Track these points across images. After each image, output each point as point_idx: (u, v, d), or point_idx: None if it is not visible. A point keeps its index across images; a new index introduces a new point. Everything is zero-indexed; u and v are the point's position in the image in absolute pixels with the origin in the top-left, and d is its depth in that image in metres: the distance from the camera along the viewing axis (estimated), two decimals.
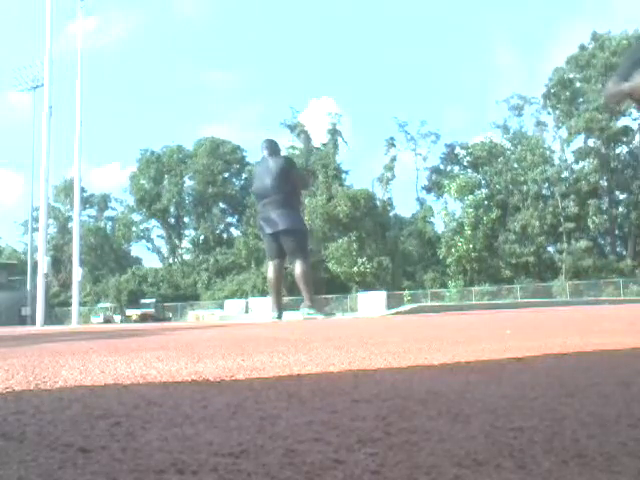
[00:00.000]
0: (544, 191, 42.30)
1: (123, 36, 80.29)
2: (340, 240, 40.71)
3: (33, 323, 21.26)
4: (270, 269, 7.52)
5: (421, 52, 79.64)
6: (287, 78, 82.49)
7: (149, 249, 56.18)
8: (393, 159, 47.43)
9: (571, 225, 39.98)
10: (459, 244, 39.42)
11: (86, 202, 51.56)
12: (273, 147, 7.70)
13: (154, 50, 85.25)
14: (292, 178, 7.28)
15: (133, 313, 37.51)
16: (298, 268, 7.25)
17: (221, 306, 36.95)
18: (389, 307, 22.09)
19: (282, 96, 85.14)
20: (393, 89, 78.57)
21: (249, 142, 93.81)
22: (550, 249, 42.53)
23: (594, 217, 39.78)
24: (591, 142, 41.80)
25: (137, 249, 66.18)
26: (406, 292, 36.57)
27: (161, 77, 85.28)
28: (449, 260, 40.25)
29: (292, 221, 7.25)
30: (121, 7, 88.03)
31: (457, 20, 76.91)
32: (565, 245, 40.01)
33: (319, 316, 7.29)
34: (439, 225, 45.05)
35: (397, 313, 10.81)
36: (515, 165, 43.16)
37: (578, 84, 42.52)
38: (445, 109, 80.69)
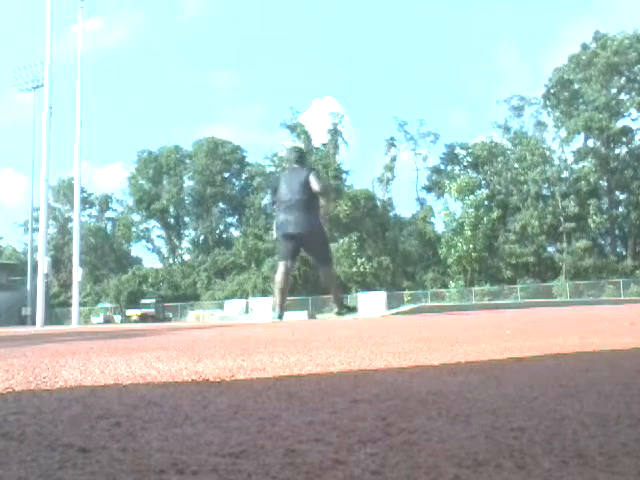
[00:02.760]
0: (544, 191, 42.29)
1: (125, 36, 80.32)
2: (340, 240, 40.68)
3: (33, 323, 21.25)
4: (280, 270, 7.55)
5: (423, 52, 79.70)
6: (289, 78, 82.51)
7: (149, 249, 56.25)
8: (393, 159, 47.47)
9: (571, 225, 39.96)
10: (459, 244, 39.40)
11: (86, 202, 51.57)
12: (300, 156, 8.00)
13: (156, 50, 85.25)
14: (314, 187, 7.39)
15: (133, 313, 37.45)
16: (326, 273, 7.47)
17: (221, 306, 36.91)
18: (389, 307, 22.09)
19: (284, 96, 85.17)
20: (395, 89, 78.59)
21: (252, 142, 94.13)
22: (550, 249, 42.53)
23: (594, 217, 39.76)
24: (591, 142, 41.81)
25: (137, 249, 66.22)
26: (406, 292, 36.56)
27: (163, 77, 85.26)
28: (449, 260, 40.23)
29: (311, 225, 7.41)
30: (122, 8, 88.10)
31: (460, 20, 76.92)
32: (565, 245, 40.00)
33: (351, 314, 7.70)
34: (439, 225, 45.09)
35: (397, 313, 10.81)
36: (515, 165, 43.16)
37: (577, 85, 42.47)
38: (448, 110, 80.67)
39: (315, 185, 7.46)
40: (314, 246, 7.47)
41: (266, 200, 9.49)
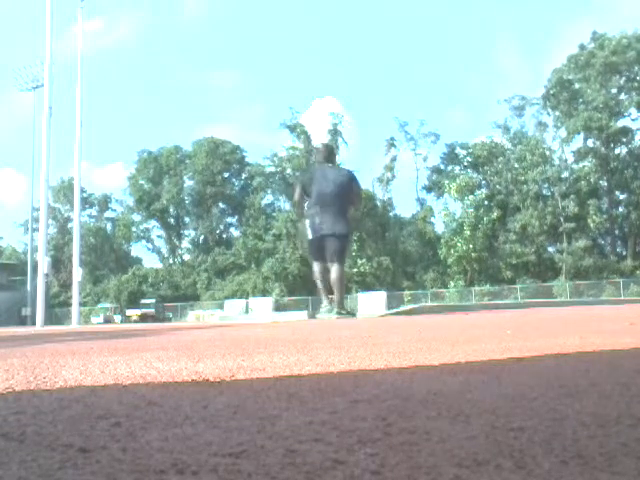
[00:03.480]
0: (544, 191, 42.29)
1: (126, 36, 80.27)
2: None
3: (33, 323, 21.26)
4: (317, 269, 7.65)
5: (423, 52, 79.67)
6: (290, 78, 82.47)
7: (149, 249, 56.22)
8: (393, 159, 47.43)
9: (571, 225, 39.95)
10: (459, 244, 39.39)
11: (86, 202, 51.54)
12: (331, 153, 8.40)
13: (156, 50, 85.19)
14: (351, 191, 7.70)
15: (133, 313, 37.45)
16: (336, 272, 7.54)
17: (221, 306, 36.93)
18: (389, 307, 22.11)
19: (285, 96, 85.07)
20: (395, 89, 78.52)
21: (252, 142, 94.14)
22: (550, 249, 42.52)
23: (594, 217, 39.74)
24: (590, 142, 41.81)
25: (137, 249, 66.16)
26: (406, 292, 36.57)
27: (164, 77, 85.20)
28: (449, 260, 40.22)
29: (342, 228, 7.65)
30: (123, 8, 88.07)
31: (460, 20, 76.87)
32: (565, 245, 39.99)
33: (349, 317, 7.64)
34: (439, 225, 45.06)
35: (397, 313, 10.82)
36: (515, 165, 43.15)
37: (577, 85, 42.48)
38: (448, 110, 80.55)
39: (357, 193, 7.89)
40: (337, 244, 7.58)
41: (296, 196, 9.62)
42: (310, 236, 7.67)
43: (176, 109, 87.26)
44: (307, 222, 7.71)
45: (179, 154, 53.56)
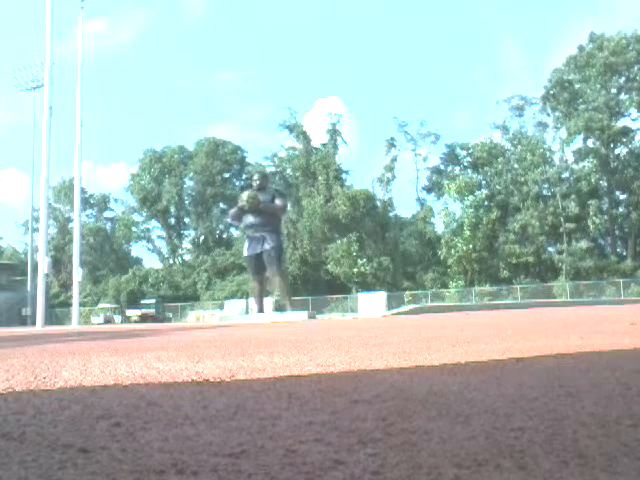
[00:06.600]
0: (544, 191, 42.23)
1: (129, 36, 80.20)
2: (340, 241, 40.65)
3: (33, 323, 21.26)
4: (255, 283, 10.00)
5: (425, 52, 79.62)
6: (292, 78, 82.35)
7: (149, 249, 56.16)
8: (393, 159, 47.37)
9: (571, 225, 39.88)
10: (458, 245, 39.35)
11: (87, 203, 51.54)
12: (263, 180, 10.67)
13: (159, 50, 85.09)
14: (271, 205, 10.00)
15: (133, 313, 37.38)
16: (275, 279, 10.10)
17: (221, 306, 36.89)
18: (389, 308, 22.10)
19: (287, 96, 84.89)
20: (396, 90, 78.42)
21: (255, 142, 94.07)
22: (550, 249, 42.44)
23: (594, 217, 39.68)
24: (591, 142, 41.77)
25: (137, 249, 66.05)
26: (407, 292, 36.55)
27: (168, 77, 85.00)
28: (450, 260, 40.17)
29: (270, 243, 9.92)
30: (126, 8, 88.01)
31: (463, 21, 76.77)
32: (565, 246, 39.95)
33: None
34: (439, 226, 45.00)
35: (398, 313, 10.82)
36: (515, 165, 43.10)
37: (577, 85, 42.44)
38: (449, 110, 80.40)
39: (278, 206, 10.72)
40: (271, 259, 10.30)
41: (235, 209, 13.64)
42: (246, 253, 9.80)
43: (178, 109, 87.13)
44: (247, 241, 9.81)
45: (183, 154, 53.59)
